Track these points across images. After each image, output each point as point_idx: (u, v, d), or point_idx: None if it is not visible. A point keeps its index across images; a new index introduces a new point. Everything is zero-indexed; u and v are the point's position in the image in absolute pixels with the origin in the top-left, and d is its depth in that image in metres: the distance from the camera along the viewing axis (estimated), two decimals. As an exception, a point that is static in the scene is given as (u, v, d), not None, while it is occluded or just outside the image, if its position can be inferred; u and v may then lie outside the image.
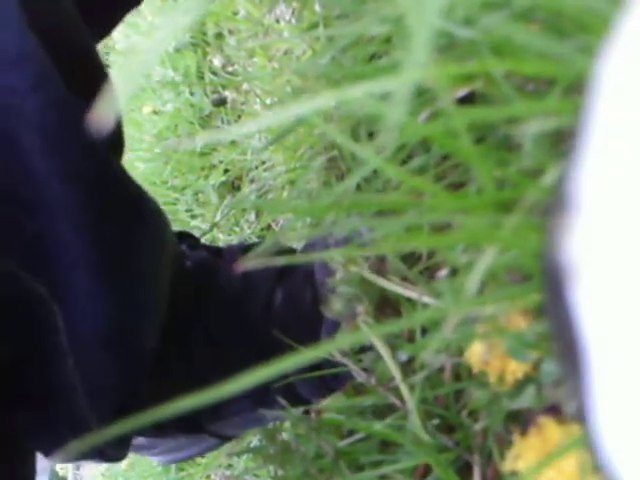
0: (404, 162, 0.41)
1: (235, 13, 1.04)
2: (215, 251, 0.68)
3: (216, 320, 0.63)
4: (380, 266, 0.51)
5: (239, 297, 0.64)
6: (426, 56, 0.18)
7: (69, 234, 0.48)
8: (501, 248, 0.28)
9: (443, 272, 0.42)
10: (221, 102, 1.16)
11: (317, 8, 0.72)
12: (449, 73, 0.27)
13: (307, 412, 0.53)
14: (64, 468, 1.67)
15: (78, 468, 1.64)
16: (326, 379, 0.59)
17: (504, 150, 0.34)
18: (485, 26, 0.29)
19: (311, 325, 0.63)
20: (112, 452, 0.56)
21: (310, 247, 0.67)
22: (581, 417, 0.16)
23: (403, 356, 0.47)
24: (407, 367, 0.47)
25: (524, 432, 0.36)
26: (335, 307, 0.52)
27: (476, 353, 0.37)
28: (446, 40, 0.33)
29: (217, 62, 1.19)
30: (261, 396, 0.61)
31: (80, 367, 0.49)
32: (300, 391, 0.62)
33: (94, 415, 0.51)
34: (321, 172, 0.72)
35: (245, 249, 0.67)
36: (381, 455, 0.46)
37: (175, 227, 1.31)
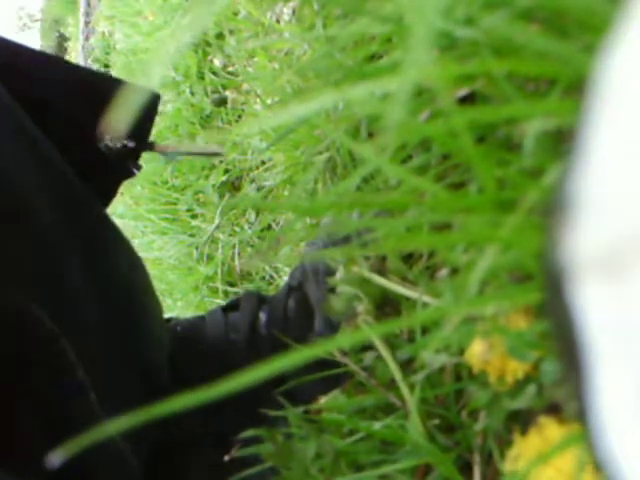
0: (404, 162, 0.41)
1: (235, 13, 1.04)
2: (199, 317, 0.74)
3: (211, 370, 0.67)
4: (380, 266, 0.51)
5: (227, 345, 0.68)
6: (426, 56, 0.18)
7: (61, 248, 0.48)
8: (501, 248, 0.28)
9: (443, 272, 0.42)
10: (221, 102, 1.16)
11: (317, 8, 0.72)
12: (449, 73, 0.27)
13: (307, 412, 0.53)
14: None
15: None
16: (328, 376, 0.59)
17: (504, 150, 0.34)
18: (486, 26, 0.29)
19: (301, 328, 0.65)
20: None
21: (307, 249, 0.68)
22: (581, 417, 0.16)
23: (403, 356, 0.47)
24: (407, 367, 0.47)
25: (524, 432, 0.36)
26: (336, 306, 0.52)
27: (476, 353, 0.37)
28: (447, 40, 0.33)
29: (218, 62, 1.19)
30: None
31: (106, 396, 0.47)
32: (301, 390, 0.63)
33: (128, 446, 0.49)
34: (321, 172, 0.72)
35: (225, 308, 0.72)
36: (381, 455, 0.46)
37: (176, 227, 1.30)
